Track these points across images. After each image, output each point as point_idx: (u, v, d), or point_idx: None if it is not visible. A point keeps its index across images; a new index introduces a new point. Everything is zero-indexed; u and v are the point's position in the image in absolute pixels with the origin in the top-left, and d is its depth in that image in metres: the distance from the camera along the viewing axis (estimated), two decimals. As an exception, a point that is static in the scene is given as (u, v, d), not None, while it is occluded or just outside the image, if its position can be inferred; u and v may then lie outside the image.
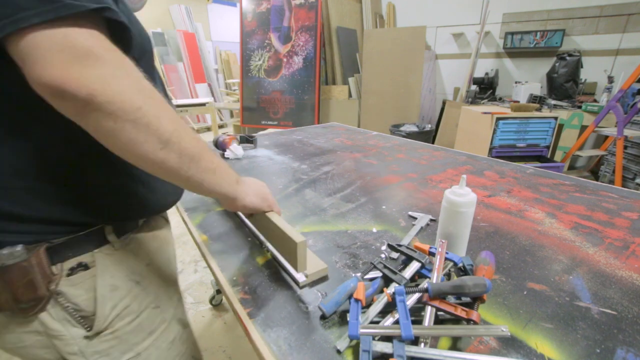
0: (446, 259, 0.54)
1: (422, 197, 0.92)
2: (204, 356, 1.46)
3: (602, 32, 2.93)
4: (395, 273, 0.53)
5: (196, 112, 3.94)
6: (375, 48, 3.41)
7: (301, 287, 0.57)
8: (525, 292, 0.55)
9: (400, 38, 3.35)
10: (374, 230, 0.75)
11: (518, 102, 3.01)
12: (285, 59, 3.69)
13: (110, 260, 0.51)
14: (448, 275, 0.55)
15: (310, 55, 3.53)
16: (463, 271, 0.54)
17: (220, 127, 5.49)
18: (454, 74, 3.85)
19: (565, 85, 2.95)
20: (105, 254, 0.51)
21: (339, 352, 0.44)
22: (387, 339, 0.45)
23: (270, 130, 3.73)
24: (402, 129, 3.19)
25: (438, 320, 0.49)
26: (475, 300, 0.47)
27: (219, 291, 1.66)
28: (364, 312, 0.49)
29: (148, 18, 4.78)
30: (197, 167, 0.45)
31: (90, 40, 0.35)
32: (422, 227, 0.75)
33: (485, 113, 2.57)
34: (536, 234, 0.72)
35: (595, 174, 2.94)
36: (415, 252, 0.56)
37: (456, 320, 0.49)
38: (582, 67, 2.93)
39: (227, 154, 1.30)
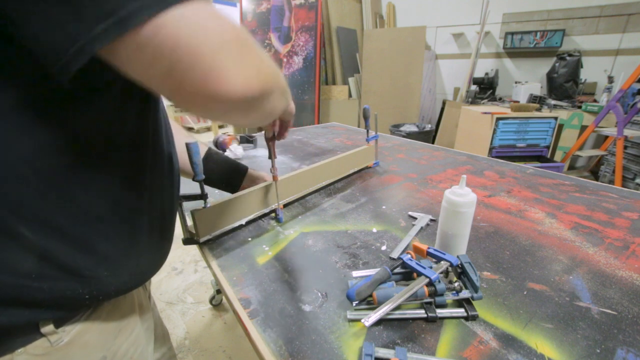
0: (443, 259, 0.54)
1: (422, 197, 0.92)
2: (204, 356, 1.47)
3: (602, 32, 2.93)
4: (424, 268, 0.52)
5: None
6: (375, 48, 3.41)
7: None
8: (525, 292, 0.54)
9: (400, 38, 3.35)
10: (374, 230, 0.75)
11: (518, 102, 3.01)
12: (285, 59, 3.69)
13: None
14: (446, 274, 0.55)
15: (310, 55, 3.53)
16: (461, 269, 0.54)
17: (220, 127, 5.48)
18: (454, 74, 3.85)
19: (565, 85, 2.96)
20: (32, 355, 0.36)
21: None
22: (390, 345, 0.45)
23: (270, 130, 3.72)
24: (402, 129, 3.19)
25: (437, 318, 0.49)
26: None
27: (219, 291, 1.66)
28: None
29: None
30: (288, 98, 0.45)
31: (234, 25, 0.29)
32: (422, 227, 0.75)
33: (485, 113, 2.57)
34: (536, 234, 0.72)
35: (595, 174, 2.94)
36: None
37: (455, 317, 0.49)
38: (582, 67, 2.93)
39: (227, 154, 1.30)
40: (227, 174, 0.80)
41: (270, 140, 0.72)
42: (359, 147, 1.10)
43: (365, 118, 1.06)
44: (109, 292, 0.41)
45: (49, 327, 0.37)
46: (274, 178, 0.79)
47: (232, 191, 0.80)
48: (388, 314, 0.47)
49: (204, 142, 0.91)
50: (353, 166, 1.08)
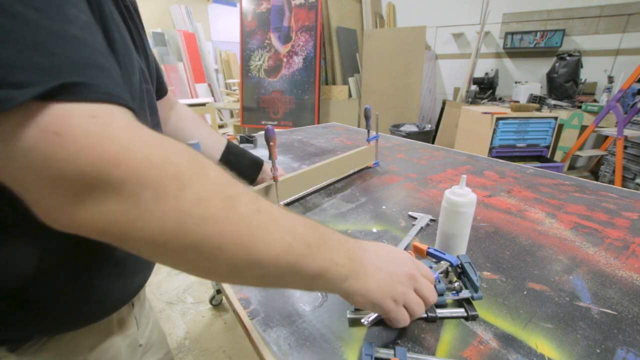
0: (443, 259, 0.54)
1: (422, 197, 0.92)
2: (204, 356, 1.47)
3: (602, 32, 2.93)
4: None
5: (196, 112, 3.94)
6: (375, 48, 3.41)
7: None
8: (525, 292, 0.55)
9: (400, 38, 3.35)
10: (374, 230, 0.75)
11: (518, 102, 3.01)
12: (285, 59, 3.69)
13: None
14: (446, 274, 0.55)
15: (310, 55, 3.53)
16: (461, 269, 0.53)
17: (220, 127, 5.49)
18: (454, 74, 3.85)
19: (565, 85, 2.95)
20: None
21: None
22: (390, 345, 0.45)
23: (270, 130, 3.72)
24: (402, 129, 3.19)
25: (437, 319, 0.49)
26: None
27: (219, 291, 1.66)
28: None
29: (148, 18, 4.78)
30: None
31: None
32: (422, 227, 0.75)
33: (485, 113, 2.57)
34: (536, 234, 0.72)
35: (595, 174, 2.94)
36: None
37: (454, 317, 0.49)
38: (582, 67, 2.93)
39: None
40: (245, 167, 0.81)
41: (272, 142, 0.73)
42: (359, 147, 1.10)
43: (367, 118, 1.06)
44: (64, 329, 0.37)
45: (2, 349, 0.34)
46: (275, 178, 0.79)
47: (248, 184, 0.81)
48: None
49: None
50: (353, 166, 1.08)
